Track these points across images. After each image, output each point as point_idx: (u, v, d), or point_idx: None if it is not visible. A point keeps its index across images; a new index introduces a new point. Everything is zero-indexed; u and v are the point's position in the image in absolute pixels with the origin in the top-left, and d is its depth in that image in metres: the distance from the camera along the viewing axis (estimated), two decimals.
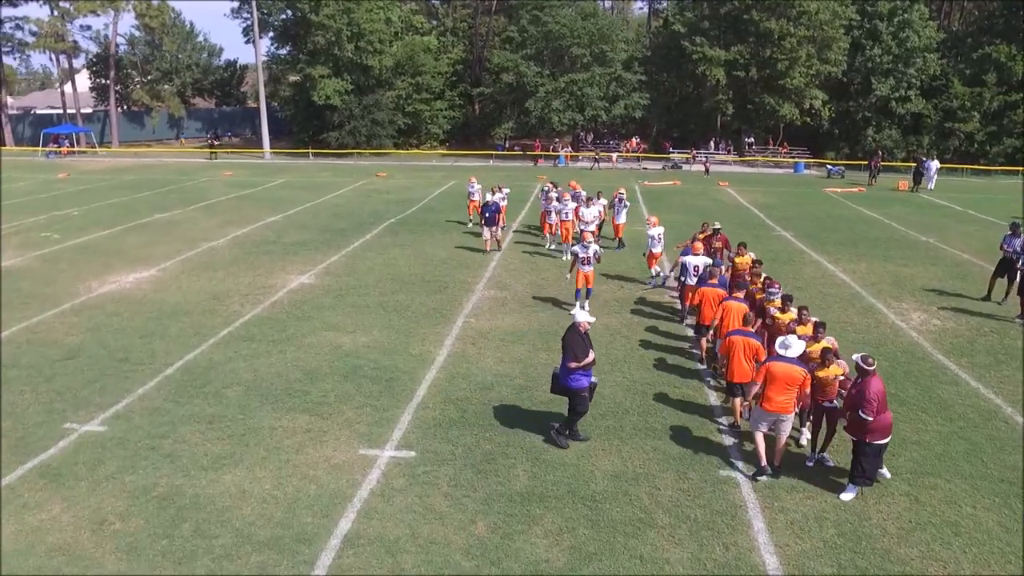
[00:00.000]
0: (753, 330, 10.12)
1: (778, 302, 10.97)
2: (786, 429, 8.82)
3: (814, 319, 9.98)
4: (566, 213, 19.71)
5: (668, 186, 35.46)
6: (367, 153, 49.12)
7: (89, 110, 62.92)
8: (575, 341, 9.30)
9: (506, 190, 21.94)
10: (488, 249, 20.00)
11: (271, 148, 50.69)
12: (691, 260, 14.22)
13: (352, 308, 15.13)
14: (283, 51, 54.21)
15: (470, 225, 23.50)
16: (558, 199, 20.42)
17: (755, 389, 8.92)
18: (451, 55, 54.12)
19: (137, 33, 60.28)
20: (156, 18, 54.77)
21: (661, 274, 17.39)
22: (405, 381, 11.52)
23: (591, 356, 9.34)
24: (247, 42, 56.71)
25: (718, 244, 15.03)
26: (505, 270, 18.43)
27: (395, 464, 9.08)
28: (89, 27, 57.72)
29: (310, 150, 49.86)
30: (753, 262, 13.16)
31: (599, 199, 20.62)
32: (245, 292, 16.24)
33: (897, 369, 12.17)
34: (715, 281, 12.49)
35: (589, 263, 14.66)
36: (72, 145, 52.66)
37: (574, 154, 48.00)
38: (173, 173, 40.11)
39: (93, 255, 19.83)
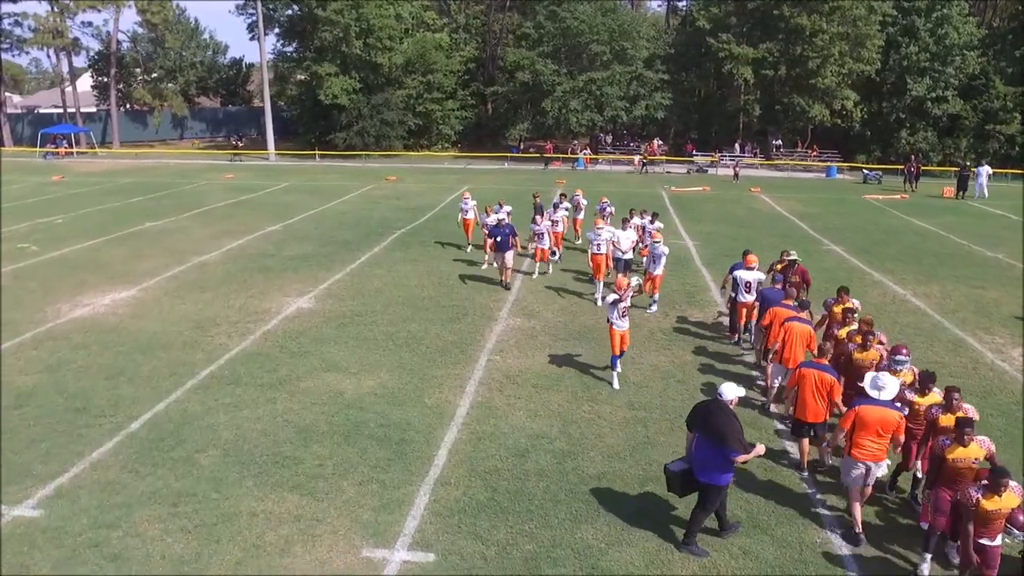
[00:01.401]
0: (827, 361, 8.84)
1: (909, 376, 8.52)
2: (873, 479, 7.71)
3: (967, 407, 7.67)
4: (599, 245, 15.52)
5: (697, 192, 33.18)
6: (376, 155, 47.02)
7: (92, 109, 61.12)
8: (731, 424, 7.04)
9: (507, 208, 18.49)
10: (507, 279, 16.50)
11: (276, 149, 48.67)
12: (744, 275, 12.67)
13: (356, 341, 13.00)
14: (289, 48, 52.24)
15: (469, 250, 19.96)
16: (594, 228, 16.21)
17: (840, 435, 7.82)
18: (463, 53, 51.89)
19: (140, 30, 58.45)
20: (158, 14, 52.79)
21: (654, 301, 15.10)
22: (420, 444, 9.37)
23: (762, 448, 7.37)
24: (252, 39, 54.53)
25: (795, 278, 12.76)
26: (531, 292, 16.26)
27: (409, 575, 6.95)
28: (90, 23, 55.78)
29: (316, 151, 47.79)
30: (845, 311, 10.57)
31: (633, 218, 17.51)
32: (234, 319, 14.13)
33: (1019, 428, 9.95)
34: (790, 302, 10.94)
35: (626, 317, 11.20)
36: (71, 145, 50.75)
37: (593, 156, 45.69)
38: (172, 176, 38.13)
39: (70, 270, 17.78)
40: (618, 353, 11.19)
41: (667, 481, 7.59)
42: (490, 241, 16.58)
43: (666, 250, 14.92)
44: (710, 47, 43.49)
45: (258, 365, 11.85)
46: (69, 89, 55.70)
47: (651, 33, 50.18)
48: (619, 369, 11.39)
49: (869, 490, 7.83)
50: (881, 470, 7.77)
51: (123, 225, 23.56)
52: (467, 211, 20.06)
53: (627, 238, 15.84)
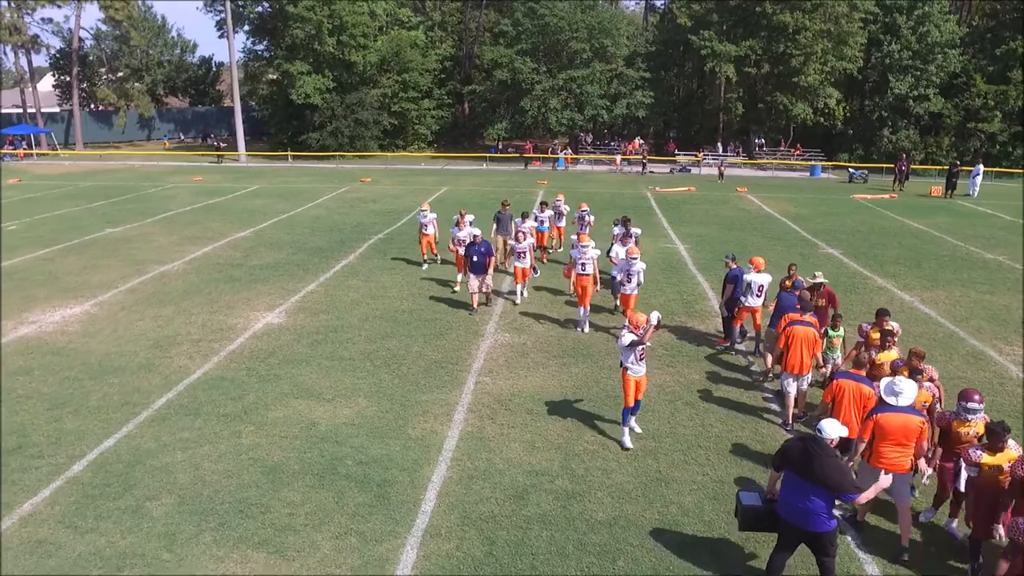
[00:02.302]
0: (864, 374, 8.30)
1: (981, 426, 7.22)
2: (905, 493, 7.20)
3: None
4: (584, 264, 13.17)
5: (683, 192, 32.30)
6: (350, 155, 45.64)
7: (56, 109, 59.00)
8: (840, 467, 6.06)
9: (470, 217, 16.29)
10: (476, 306, 14.34)
11: (247, 150, 47.09)
12: (755, 279, 12.05)
13: (331, 362, 11.84)
14: (260, 47, 50.70)
15: (426, 267, 17.84)
16: (575, 243, 13.99)
17: (861, 447, 7.25)
18: (439, 51, 50.65)
19: (103, 27, 56.46)
20: (122, 11, 50.86)
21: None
22: (404, 485, 8.26)
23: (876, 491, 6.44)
24: (221, 36, 52.96)
25: (821, 302, 11.66)
26: (518, 304, 15.18)
27: None
28: (50, 20, 53.62)
29: (289, 153, 46.28)
30: (884, 335, 9.34)
31: (620, 227, 15.54)
32: (196, 338, 12.90)
33: None
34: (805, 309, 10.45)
35: (644, 360, 9.17)
36: (30, 147, 48.73)
37: (574, 156, 44.67)
38: (137, 178, 36.53)
39: (18, 284, 16.39)
40: (631, 404, 9.19)
41: (737, 510, 6.85)
42: (463, 258, 14.43)
43: (643, 266, 13.17)
44: (691, 44, 42.77)
45: (221, 392, 10.65)
46: (30, 88, 53.51)
47: (630, 31, 49.32)
48: (633, 425, 9.43)
49: (907, 516, 7.18)
50: (907, 488, 7.29)
51: (80, 232, 22.12)
52: (426, 225, 17.69)
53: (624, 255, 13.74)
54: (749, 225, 24.14)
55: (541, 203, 18.92)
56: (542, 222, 18.31)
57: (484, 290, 14.40)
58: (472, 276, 14.15)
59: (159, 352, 12.22)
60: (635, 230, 15.86)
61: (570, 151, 45.25)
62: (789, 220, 25.22)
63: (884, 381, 7.36)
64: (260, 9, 49.24)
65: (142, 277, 16.97)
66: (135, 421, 9.74)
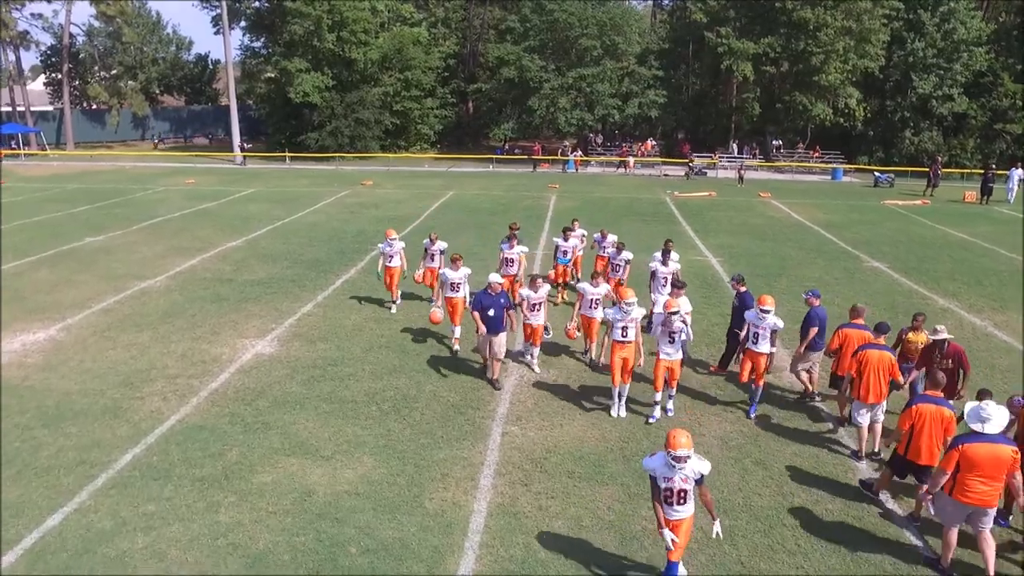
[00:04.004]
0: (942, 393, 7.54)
1: None
2: (988, 524, 6.63)
3: None
4: (625, 328, 9.55)
5: (704, 198, 30.51)
6: (350, 156, 43.83)
7: (48, 108, 57.15)
8: None
9: (442, 244, 13.94)
10: (497, 375, 10.81)
11: (244, 151, 45.28)
12: (777, 321, 10.01)
13: (330, 405, 10.07)
14: (257, 44, 48.88)
15: (394, 308, 14.33)
16: (618, 299, 9.88)
17: (942, 479, 6.60)
18: (442, 48, 48.82)
19: (96, 24, 54.64)
20: (114, 6, 49.03)
21: (671, 396, 10.03)
22: None
23: None
24: (217, 33, 51.19)
25: (947, 362, 8.81)
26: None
27: None
28: (40, 15, 51.69)
29: (287, 153, 44.48)
30: None
31: (655, 259, 12.68)
32: (174, 372, 11.13)
33: None
34: (861, 321, 9.53)
35: (687, 502, 6.20)
36: (18, 147, 46.92)
37: (584, 158, 42.84)
38: (127, 180, 34.75)
39: None
40: (675, 556, 6.20)
41: None
42: (474, 315, 10.53)
43: (689, 332, 9.67)
44: (706, 42, 41.01)
45: (199, 446, 8.89)
46: (19, 87, 51.66)
47: (641, 27, 47.59)
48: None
49: (988, 538, 6.62)
50: (990, 520, 6.64)
51: (58, 241, 20.35)
52: (392, 256, 14.01)
53: (686, 308, 10.69)
54: (781, 235, 22.36)
55: (564, 230, 15.13)
56: (565, 252, 14.76)
57: (497, 357, 10.69)
58: (484, 337, 10.55)
59: (129, 391, 10.46)
60: (674, 259, 12.69)
61: (579, 152, 43.46)
62: (822, 228, 23.46)
63: (969, 406, 6.74)
64: (257, 5, 47.51)
65: (119, 295, 15.20)
66: (90, 488, 7.98)
